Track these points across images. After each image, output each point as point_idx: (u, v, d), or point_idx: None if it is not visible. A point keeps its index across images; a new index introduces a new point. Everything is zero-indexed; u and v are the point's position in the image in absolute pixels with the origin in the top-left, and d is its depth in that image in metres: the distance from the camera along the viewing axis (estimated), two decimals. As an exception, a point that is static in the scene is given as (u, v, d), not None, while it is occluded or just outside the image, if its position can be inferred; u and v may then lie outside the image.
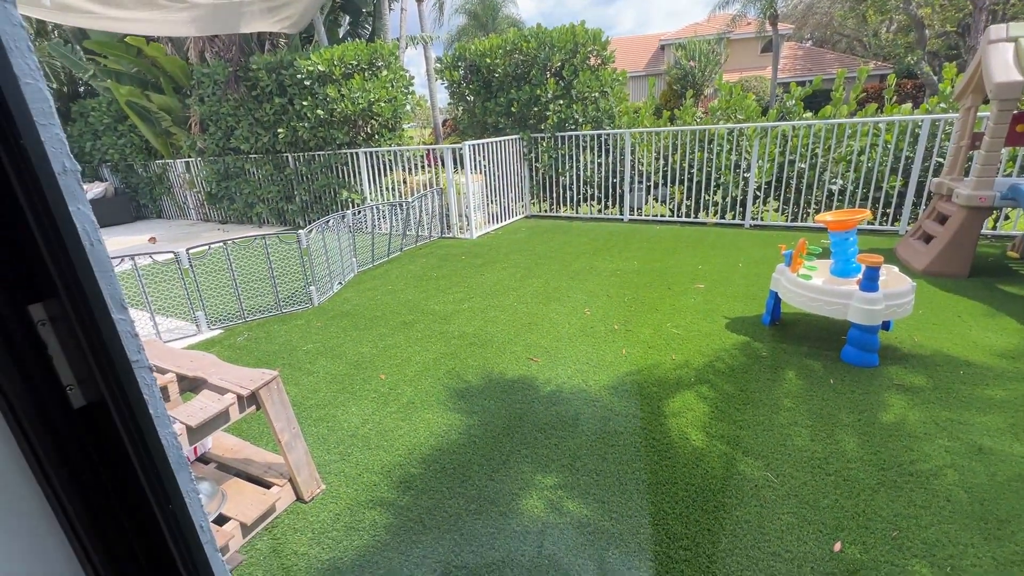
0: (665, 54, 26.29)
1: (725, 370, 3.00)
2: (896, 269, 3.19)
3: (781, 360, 3.06)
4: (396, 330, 3.92)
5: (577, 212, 7.80)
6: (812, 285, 3.13)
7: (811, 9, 28.25)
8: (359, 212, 6.28)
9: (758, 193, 6.48)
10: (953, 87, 5.22)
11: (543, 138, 7.50)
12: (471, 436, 2.54)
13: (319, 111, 7.36)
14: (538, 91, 7.14)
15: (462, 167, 6.65)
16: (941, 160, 5.46)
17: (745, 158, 6.43)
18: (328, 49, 7.38)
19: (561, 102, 7.18)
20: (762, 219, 6.59)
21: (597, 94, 7.20)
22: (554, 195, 7.89)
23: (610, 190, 7.45)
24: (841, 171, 6.00)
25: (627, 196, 7.23)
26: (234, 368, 2.11)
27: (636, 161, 7.13)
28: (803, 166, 6.15)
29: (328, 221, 4.92)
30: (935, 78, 17.43)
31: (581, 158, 7.41)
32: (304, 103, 7.43)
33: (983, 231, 4.90)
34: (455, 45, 8.17)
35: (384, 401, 2.92)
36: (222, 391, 1.94)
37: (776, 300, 3.49)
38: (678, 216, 7.06)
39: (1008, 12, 17.10)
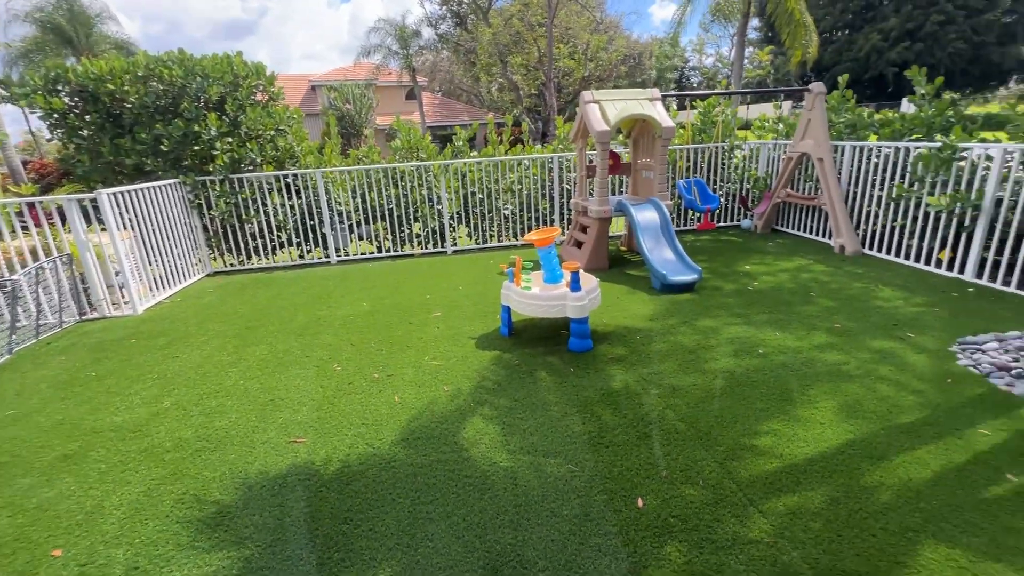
0: (318, 95, 26.32)
1: (493, 387, 3.21)
2: (584, 271, 4.09)
3: (531, 364, 3.49)
4: (54, 473, 2.59)
5: (274, 261, 6.93)
6: (535, 294, 3.68)
7: (436, 66, 33.52)
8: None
9: (452, 222, 7.21)
10: (568, 134, 7.07)
11: (214, 181, 6.34)
12: (250, 570, 1.91)
13: None
14: (196, 127, 6.00)
15: (100, 224, 4.96)
16: (569, 187, 7.33)
17: (435, 193, 7.05)
18: None
19: (230, 140, 6.24)
20: (459, 244, 7.36)
21: (272, 132, 6.59)
22: (241, 245, 6.78)
23: (309, 233, 6.92)
24: (508, 199, 7.30)
25: (330, 237, 6.87)
26: None
27: (333, 200, 6.86)
28: (481, 196, 7.19)
29: None
30: (533, 127, 23.41)
31: (268, 201, 6.62)
32: None
33: (609, 234, 6.82)
34: (45, 63, 6.05)
35: (78, 588, 1.88)
36: None
37: (509, 313, 3.96)
38: (385, 251, 7.16)
39: (564, 83, 24.53)
